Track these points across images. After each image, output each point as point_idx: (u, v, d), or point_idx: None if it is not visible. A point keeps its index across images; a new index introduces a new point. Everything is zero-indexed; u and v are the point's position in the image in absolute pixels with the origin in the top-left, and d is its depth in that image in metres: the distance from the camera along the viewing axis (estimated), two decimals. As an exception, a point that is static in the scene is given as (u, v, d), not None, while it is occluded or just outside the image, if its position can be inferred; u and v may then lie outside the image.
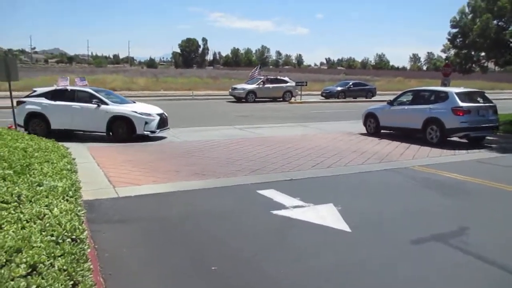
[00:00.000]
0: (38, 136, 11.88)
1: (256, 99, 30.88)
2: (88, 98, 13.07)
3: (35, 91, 13.87)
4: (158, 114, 13.20)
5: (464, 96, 12.79)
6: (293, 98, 32.41)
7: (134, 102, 14.41)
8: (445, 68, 19.69)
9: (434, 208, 6.81)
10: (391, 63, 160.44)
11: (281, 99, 32.08)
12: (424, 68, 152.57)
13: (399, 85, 49.37)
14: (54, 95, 13.34)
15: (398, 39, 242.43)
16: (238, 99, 30.96)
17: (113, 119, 12.73)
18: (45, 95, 13.41)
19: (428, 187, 8.11)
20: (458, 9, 24.75)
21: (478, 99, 13.39)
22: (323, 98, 35.31)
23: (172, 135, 13.89)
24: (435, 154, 11.43)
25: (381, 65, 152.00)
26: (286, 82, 33.16)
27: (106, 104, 12.96)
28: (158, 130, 13.03)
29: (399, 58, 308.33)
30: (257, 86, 31.38)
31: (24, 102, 13.47)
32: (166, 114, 13.76)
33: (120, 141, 12.39)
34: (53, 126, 13.02)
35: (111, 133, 12.88)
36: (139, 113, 12.80)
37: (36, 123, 13.08)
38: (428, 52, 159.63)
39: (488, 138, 13.93)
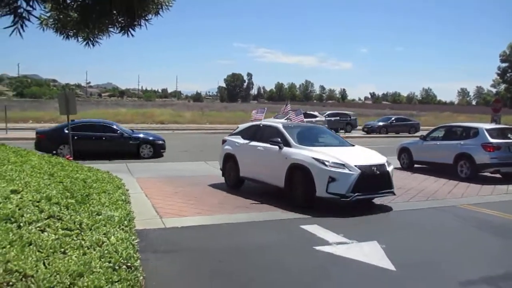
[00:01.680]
0: (232, 185, 10.74)
1: None
2: (274, 136, 9.78)
3: (238, 127, 12.25)
4: (361, 167, 8.37)
5: (494, 132, 13.11)
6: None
7: (353, 145, 10.12)
8: (495, 104, 19.12)
9: (484, 248, 6.58)
10: (438, 98, 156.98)
11: None
12: (473, 102, 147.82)
13: (447, 120, 47.95)
14: (247, 132, 11.11)
15: (445, 73, 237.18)
16: None
17: (292, 168, 8.98)
18: (241, 132, 11.34)
19: (477, 227, 7.84)
20: (508, 43, 24.25)
21: (509, 135, 13.45)
22: (365, 133, 35.10)
23: (216, 168, 14.15)
24: (486, 192, 11.04)
25: (428, 100, 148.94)
26: (315, 116, 32.76)
27: (289, 145, 9.35)
28: (353, 194, 8.20)
29: (447, 93, 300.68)
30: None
31: (225, 141, 11.55)
32: (389, 168, 8.88)
33: (298, 205, 8.65)
34: (241, 172, 10.59)
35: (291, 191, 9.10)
36: (323, 162, 8.38)
37: (230, 167, 11.02)
38: (477, 86, 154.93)
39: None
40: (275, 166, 9.42)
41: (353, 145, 10.12)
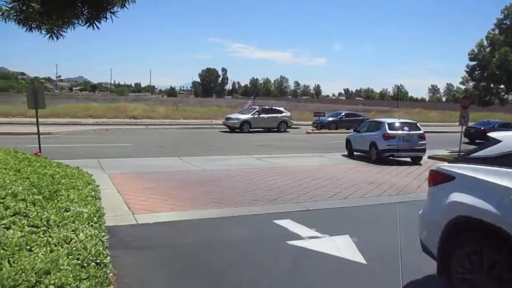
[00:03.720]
0: None
1: (250, 129, 30.14)
2: None
3: (480, 146, 4.69)
4: None
5: (393, 125, 16.47)
6: (311, 128, 32.46)
7: None
8: (464, 101, 19.59)
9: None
10: (409, 94, 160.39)
11: (276, 130, 31.52)
12: (444, 99, 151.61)
13: (418, 117, 48.30)
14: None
15: (417, 70, 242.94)
16: (232, 129, 30.09)
17: None
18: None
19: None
20: (476, 42, 24.92)
21: (406, 128, 16.54)
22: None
23: (190, 163, 14.12)
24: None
25: (400, 96, 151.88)
26: (281, 112, 32.76)
27: None
28: None
29: (418, 89, 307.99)
30: (252, 116, 30.93)
31: (451, 178, 4.41)
32: None
33: None
34: None
35: None
36: None
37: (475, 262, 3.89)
38: (447, 84, 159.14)
39: None
40: None
41: None
